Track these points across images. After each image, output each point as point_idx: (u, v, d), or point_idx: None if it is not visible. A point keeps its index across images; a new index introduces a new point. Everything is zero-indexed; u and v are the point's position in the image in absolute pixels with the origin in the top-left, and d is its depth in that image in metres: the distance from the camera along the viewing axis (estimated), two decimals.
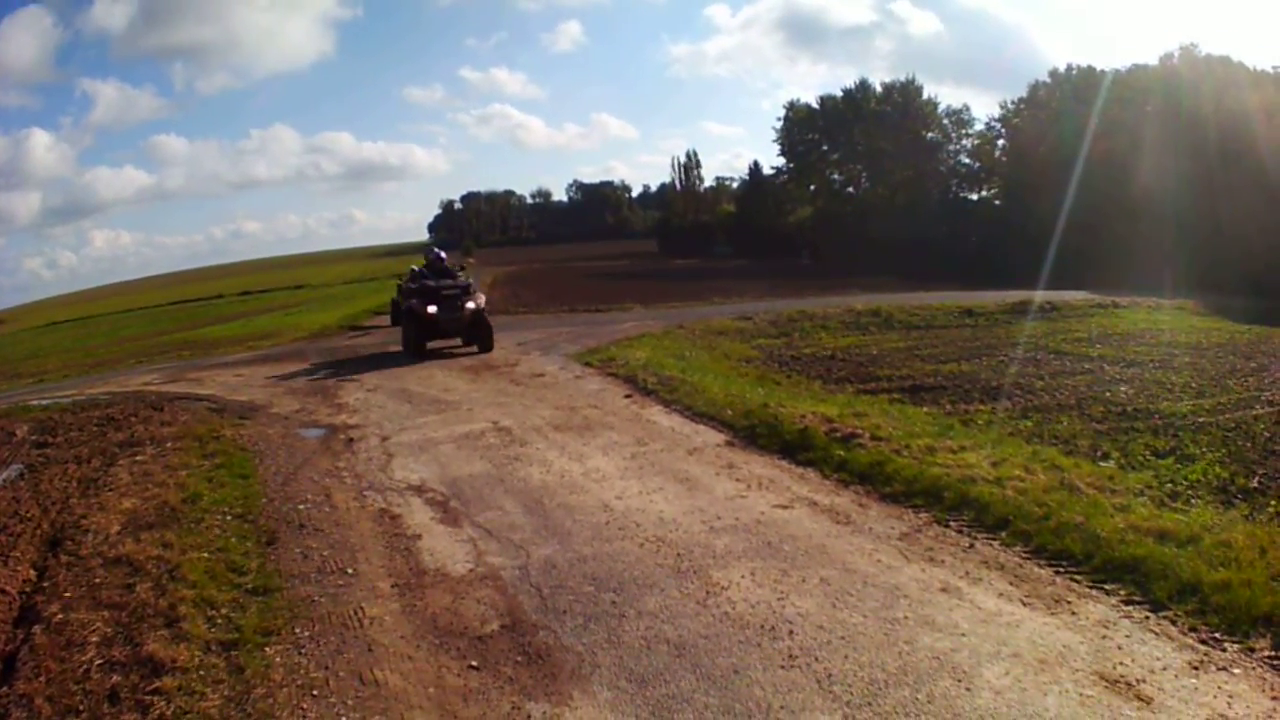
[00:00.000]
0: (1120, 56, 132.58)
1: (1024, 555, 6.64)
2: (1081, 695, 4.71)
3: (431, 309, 18.42)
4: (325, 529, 7.94)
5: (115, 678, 5.21)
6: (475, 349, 19.07)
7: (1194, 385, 13.89)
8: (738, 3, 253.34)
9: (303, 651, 5.61)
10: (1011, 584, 6.14)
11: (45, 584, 6.74)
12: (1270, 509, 7.94)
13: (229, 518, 8.16)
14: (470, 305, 18.79)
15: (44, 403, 15.54)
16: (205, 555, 7.09)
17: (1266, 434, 10.83)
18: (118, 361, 26.73)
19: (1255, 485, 8.77)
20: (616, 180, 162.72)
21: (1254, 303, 28.86)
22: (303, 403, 14.05)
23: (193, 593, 6.31)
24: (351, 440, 11.31)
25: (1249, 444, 10.35)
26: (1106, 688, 4.77)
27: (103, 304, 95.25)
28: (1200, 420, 11.41)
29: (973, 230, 58.94)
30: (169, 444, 10.92)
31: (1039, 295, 27.60)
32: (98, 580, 6.65)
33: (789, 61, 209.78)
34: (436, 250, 20.81)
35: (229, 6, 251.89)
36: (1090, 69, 59.44)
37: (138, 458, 10.33)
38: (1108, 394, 13.09)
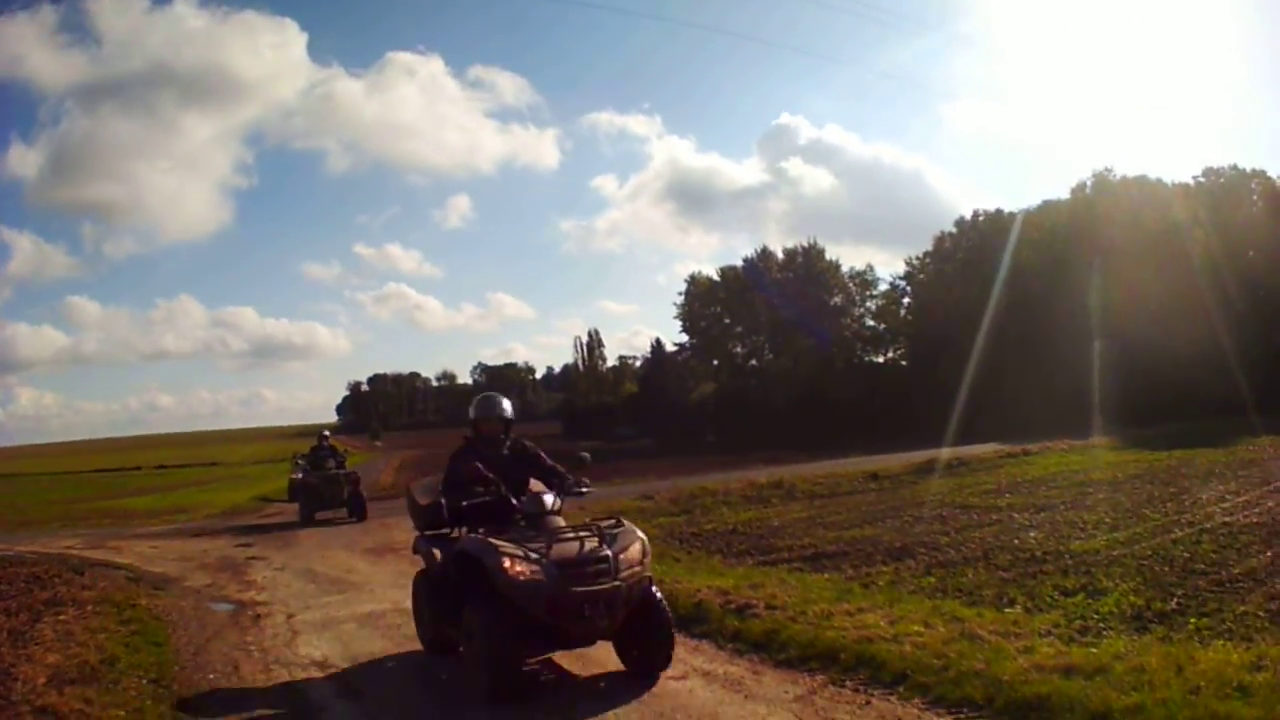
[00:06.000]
0: (1030, 196, 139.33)
1: (922, 706, 6.63)
2: None
3: (315, 481, 23.87)
4: (234, 698, 8.26)
5: None
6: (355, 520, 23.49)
7: (1108, 520, 14.18)
8: (624, 172, 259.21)
9: None
10: None
11: None
12: (1189, 627, 8.01)
13: (144, 681, 8.52)
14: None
15: None
16: (123, 714, 7.41)
17: (1186, 555, 11.04)
18: (43, 523, 30.11)
19: (1174, 607, 8.86)
20: (520, 362, 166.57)
21: (1175, 428, 29.84)
22: (214, 577, 14.98)
23: None
24: (259, 616, 11.72)
25: (1167, 568, 10.51)
26: None
27: (29, 463, 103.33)
28: (1114, 554, 11.56)
29: (879, 393, 60.61)
30: (89, 607, 11.71)
31: (946, 452, 28.32)
32: None
33: (681, 232, 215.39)
34: (324, 434, 26.93)
35: (130, 164, 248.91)
36: (999, 213, 62.06)
37: (61, 617, 11.04)
38: (1015, 541, 13.22)
